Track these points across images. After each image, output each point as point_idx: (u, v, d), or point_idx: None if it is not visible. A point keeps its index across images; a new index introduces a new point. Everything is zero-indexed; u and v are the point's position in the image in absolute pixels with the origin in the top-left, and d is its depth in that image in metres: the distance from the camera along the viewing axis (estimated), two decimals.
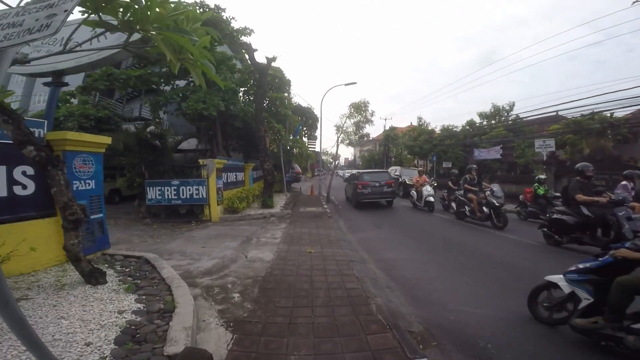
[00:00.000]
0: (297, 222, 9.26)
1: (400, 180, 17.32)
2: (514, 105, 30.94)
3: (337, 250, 6.14)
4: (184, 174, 10.28)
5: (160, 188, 10.09)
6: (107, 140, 5.15)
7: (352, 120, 15.99)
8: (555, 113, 20.55)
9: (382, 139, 37.57)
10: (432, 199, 11.83)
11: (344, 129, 16.25)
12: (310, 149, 26.16)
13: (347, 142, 16.91)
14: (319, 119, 20.88)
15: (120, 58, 5.73)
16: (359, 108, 15.48)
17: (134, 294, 3.74)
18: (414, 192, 12.99)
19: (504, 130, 27.20)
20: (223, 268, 5.20)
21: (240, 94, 15.37)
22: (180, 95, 11.35)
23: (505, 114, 31.05)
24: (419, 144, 26.75)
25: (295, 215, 10.42)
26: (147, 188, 10.12)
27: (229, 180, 11.69)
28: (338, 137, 16.32)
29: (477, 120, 31.93)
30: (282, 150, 13.62)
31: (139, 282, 4.13)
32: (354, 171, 18.81)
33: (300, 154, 19.16)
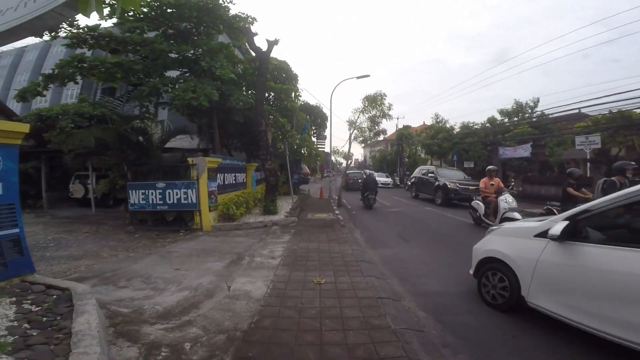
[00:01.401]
0: (303, 232, 7.57)
1: (437, 183, 14.18)
2: (538, 101, 28.75)
3: (358, 278, 4.42)
4: (175, 175, 8.75)
5: (143, 191, 8.63)
6: (21, 128, 3.58)
7: (367, 115, 14.20)
8: (577, 110, 19.46)
9: (395, 138, 35.59)
10: (518, 215, 7.51)
11: (358, 124, 14.46)
12: (319, 148, 24.45)
13: (361, 139, 15.09)
14: (329, 117, 19.29)
15: (47, 24, 4.12)
16: (375, 101, 13.68)
17: (8, 357, 2.14)
18: (478, 203, 8.99)
19: (529, 127, 25.11)
20: (190, 308, 3.56)
21: (244, 88, 13.87)
22: (170, 86, 9.83)
23: (530, 111, 28.85)
24: (437, 142, 24.76)
25: (302, 224, 8.73)
26: (130, 191, 8.70)
27: (226, 182, 10.11)
28: (351, 134, 14.57)
29: (498, 117, 29.91)
30: (288, 148, 11.96)
31: (34, 334, 2.53)
32: (348, 172, 23.05)
33: (309, 153, 17.47)
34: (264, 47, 10.41)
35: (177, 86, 9.58)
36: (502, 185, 8.79)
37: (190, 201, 8.33)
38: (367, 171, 12.77)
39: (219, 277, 4.56)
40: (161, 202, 8.53)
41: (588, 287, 2.73)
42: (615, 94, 13.94)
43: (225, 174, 10.09)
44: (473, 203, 9.34)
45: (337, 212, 10.93)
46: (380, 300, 3.69)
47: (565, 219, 2.98)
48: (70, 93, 25.75)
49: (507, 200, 8.00)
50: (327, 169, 50.30)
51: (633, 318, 2.36)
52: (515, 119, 28.49)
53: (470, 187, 12.82)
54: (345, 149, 18.78)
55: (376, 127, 14.39)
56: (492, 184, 8.78)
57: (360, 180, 21.26)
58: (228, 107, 12.04)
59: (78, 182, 14.25)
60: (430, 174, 15.34)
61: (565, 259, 2.92)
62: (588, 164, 13.49)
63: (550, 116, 23.21)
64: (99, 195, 13.34)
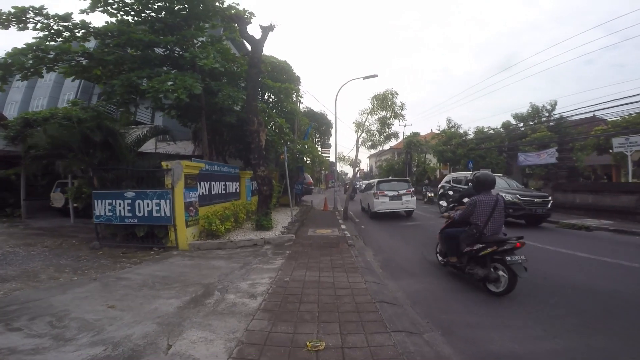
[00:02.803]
0: (301, 255, 5.93)
1: (507, 199, 9.14)
2: (556, 104, 27.15)
3: (379, 335, 2.78)
4: (148, 182, 7.29)
5: (110, 201, 7.25)
6: None
7: (376, 117, 12.64)
8: (592, 115, 18.79)
9: (404, 145, 33.93)
10: None
11: (367, 126, 12.85)
12: (324, 156, 22.89)
13: (370, 144, 13.47)
14: (334, 122, 17.82)
15: None
16: (385, 100, 12.15)
17: None
18: None
19: (548, 131, 23.48)
20: None
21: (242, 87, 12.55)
22: (149, 79, 8.44)
23: (547, 114, 27.19)
24: (451, 149, 23.04)
25: (301, 243, 7.08)
26: (95, 201, 7.36)
27: (212, 192, 8.59)
28: (358, 138, 12.97)
29: (512, 121, 28.36)
30: (287, 152, 10.45)
31: None
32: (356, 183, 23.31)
33: (312, 160, 15.87)
34: (258, 36, 9.06)
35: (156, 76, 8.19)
36: None
37: (163, 214, 6.83)
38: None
39: (162, 326, 2.98)
40: (130, 214, 7.09)
41: (365, 200, 13.98)
42: (630, 96, 13.10)
43: (212, 182, 8.57)
44: None
45: (343, 227, 9.29)
46: None
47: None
48: (67, 98, 25.50)
49: None
50: (332, 179, 48.80)
51: (367, 204, 13.34)
52: (531, 122, 26.90)
53: (536, 200, 9.79)
54: (352, 156, 17.24)
55: (387, 130, 12.77)
56: None
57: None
58: (220, 107, 10.68)
59: (59, 190, 12.95)
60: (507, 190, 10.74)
61: (363, 196, 14.75)
62: (630, 167, 11.71)
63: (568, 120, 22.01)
64: (82, 204, 12.02)
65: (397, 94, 12.14)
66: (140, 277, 4.73)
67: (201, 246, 6.75)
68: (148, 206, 6.94)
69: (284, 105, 13.57)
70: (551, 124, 25.02)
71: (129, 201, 7.09)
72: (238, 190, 10.75)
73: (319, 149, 22.10)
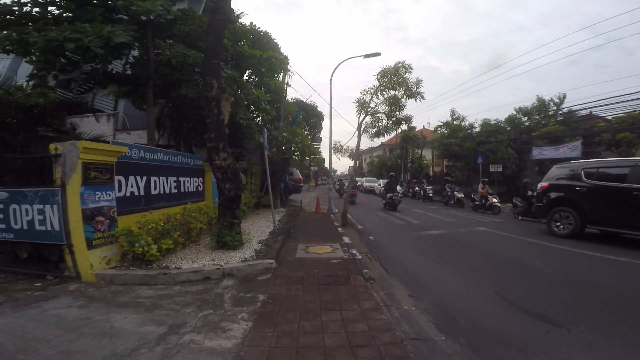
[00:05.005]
0: (285, 308, 3.20)
1: None
2: (564, 97, 25.26)
3: None
4: (45, 176, 4.41)
5: None
6: None
7: (384, 96, 9.96)
8: (589, 112, 19.47)
9: (399, 141, 31.59)
10: None
11: (372, 109, 10.11)
12: (315, 148, 20.11)
13: (375, 130, 10.75)
14: (328, 109, 15.16)
15: None
16: (396, 74, 9.47)
17: None
18: None
19: (557, 125, 21.68)
20: None
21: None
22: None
23: (555, 108, 25.32)
24: (457, 142, 20.65)
25: (285, 276, 4.30)
26: None
27: (153, 192, 5.78)
28: (360, 122, 10.25)
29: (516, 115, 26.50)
30: (267, 139, 7.68)
31: None
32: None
33: (302, 151, 13.10)
34: None
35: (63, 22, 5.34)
36: None
37: (49, 227, 4.03)
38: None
39: None
40: (3, 225, 4.30)
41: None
42: (627, 94, 14.36)
43: (153, 178, 5.75)
44: None
45: (345, 239, 6.61)
46: None
47: None
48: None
49: None
50: (322, 176, 45.89)
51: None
52: (537, 117, 25.10)
53: None
54: (351, 145, 14.37)
55: (398, 113, 10.08)
56: None
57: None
58: (176, 77, 7.91)
59: None
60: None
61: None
62: None
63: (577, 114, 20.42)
64: None
65: (410, 68, 9.50)
66: None
67: (116, 278, 3.98)
68: (28, 214, 4.15)
69: (266, 83, 10.74)
70: (559, 118, 23.33)
71: (1, 205, 4.28)
72: (201, 189, 7.94)
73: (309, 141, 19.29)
